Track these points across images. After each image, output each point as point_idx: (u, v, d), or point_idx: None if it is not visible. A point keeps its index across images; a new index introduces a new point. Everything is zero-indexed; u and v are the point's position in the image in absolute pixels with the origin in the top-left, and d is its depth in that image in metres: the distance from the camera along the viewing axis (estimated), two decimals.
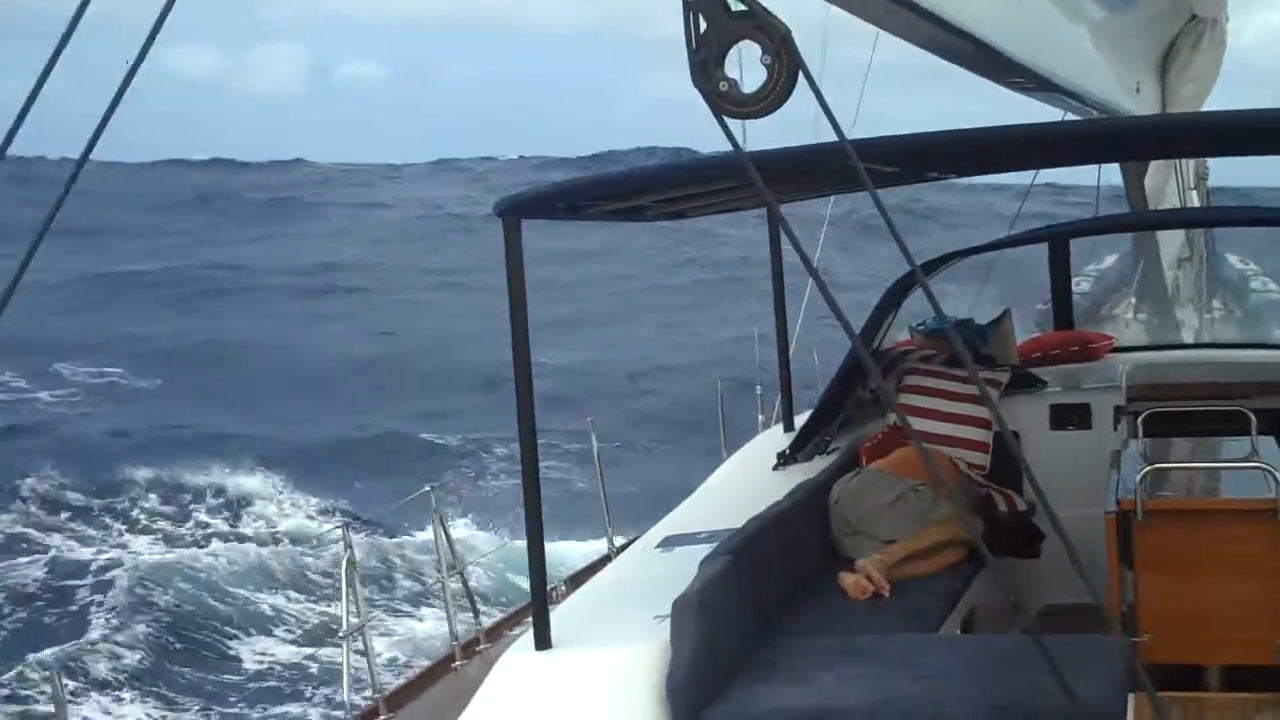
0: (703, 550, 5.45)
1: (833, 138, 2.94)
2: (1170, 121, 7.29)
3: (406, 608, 17.68)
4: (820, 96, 2.76)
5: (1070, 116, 8.15)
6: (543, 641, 4.69)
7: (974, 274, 10.75)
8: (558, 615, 4.92)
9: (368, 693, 7.72)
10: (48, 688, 15.56)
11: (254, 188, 76.88)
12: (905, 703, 4.51)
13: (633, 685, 4.56)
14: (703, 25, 2.80)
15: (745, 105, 2.75)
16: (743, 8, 2.76)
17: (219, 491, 25.19)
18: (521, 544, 4.84)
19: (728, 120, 2.74)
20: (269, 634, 17.98)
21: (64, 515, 24.31)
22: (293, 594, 19.12)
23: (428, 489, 8.70)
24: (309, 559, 19.56)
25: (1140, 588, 5.67)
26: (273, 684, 15.67)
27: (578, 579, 8.51)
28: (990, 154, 5.54)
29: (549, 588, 8.51)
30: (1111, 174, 12.08)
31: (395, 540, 20.21)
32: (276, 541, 21.95)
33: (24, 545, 22.37)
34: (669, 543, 6.00)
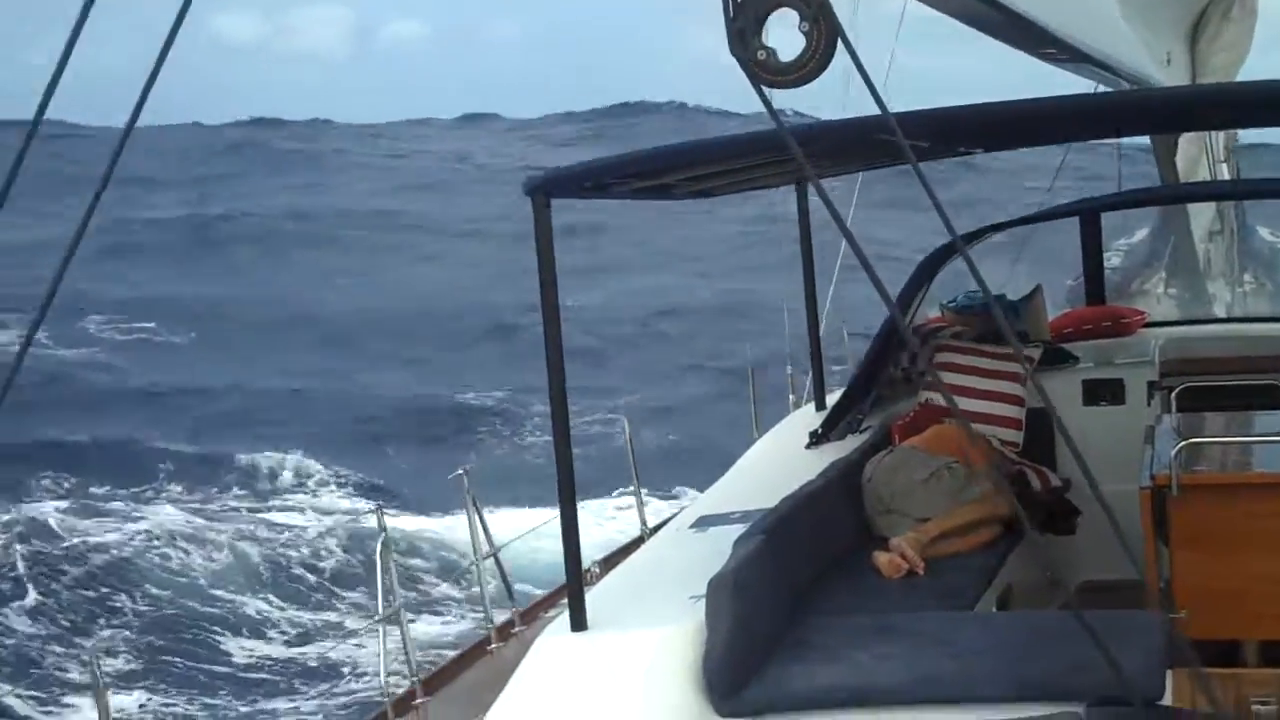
0: (736, 530, 5.45)
1: (861, 99, 2.90)
2: (1199, 93, 7.23)
3: (441, 591, 17.72)
4: (860, 65, 2.71)
5: (1101, 88, 8.09)
6: (578, 623, 4.69)
7: (1005, 249, 10.70)
8: (593, 597, 4.91)
9: (404, 676, 7.72)
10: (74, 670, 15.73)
11: (288, 141, 77.31)
12: (941, 681, 4.50)
13: (669, 666, 4.56)
14: None
15: (783, 74, 2.71)
16: None
17: (246, 469, 25.28)
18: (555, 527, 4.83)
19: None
20: (302, 614, 18.09)
21: (88, 487, 24.58)
22: (325, 577, 19.21)
23: (461, 471, 8.69)
24: (340, 543, 19.59)
25: (1176, 563, 5.63)
26: (309, 665, 15.70)
27: (612, 560, 8.50)
28: (1021, 127, 5.50)
29: (584, 569, 8.53)
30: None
31: (430, 521, 20.27)
32: (305, 522, 22.03)
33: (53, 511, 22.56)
34: (703, 523, 5.99)
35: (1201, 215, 13.28)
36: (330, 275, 45.38)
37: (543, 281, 4.65)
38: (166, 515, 22.57)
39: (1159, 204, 12.09)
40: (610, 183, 5.06)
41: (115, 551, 20.06)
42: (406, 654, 7.64)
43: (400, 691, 7.60)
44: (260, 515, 22.61)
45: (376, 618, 7.24)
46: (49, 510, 22.34)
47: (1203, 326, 9.62)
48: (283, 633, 17.52)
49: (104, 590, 18.83)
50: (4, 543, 19.93)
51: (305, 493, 24.26)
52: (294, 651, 16.80)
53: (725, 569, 4.83)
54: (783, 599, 5.22)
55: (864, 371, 7.55)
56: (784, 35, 2.64)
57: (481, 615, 8.71)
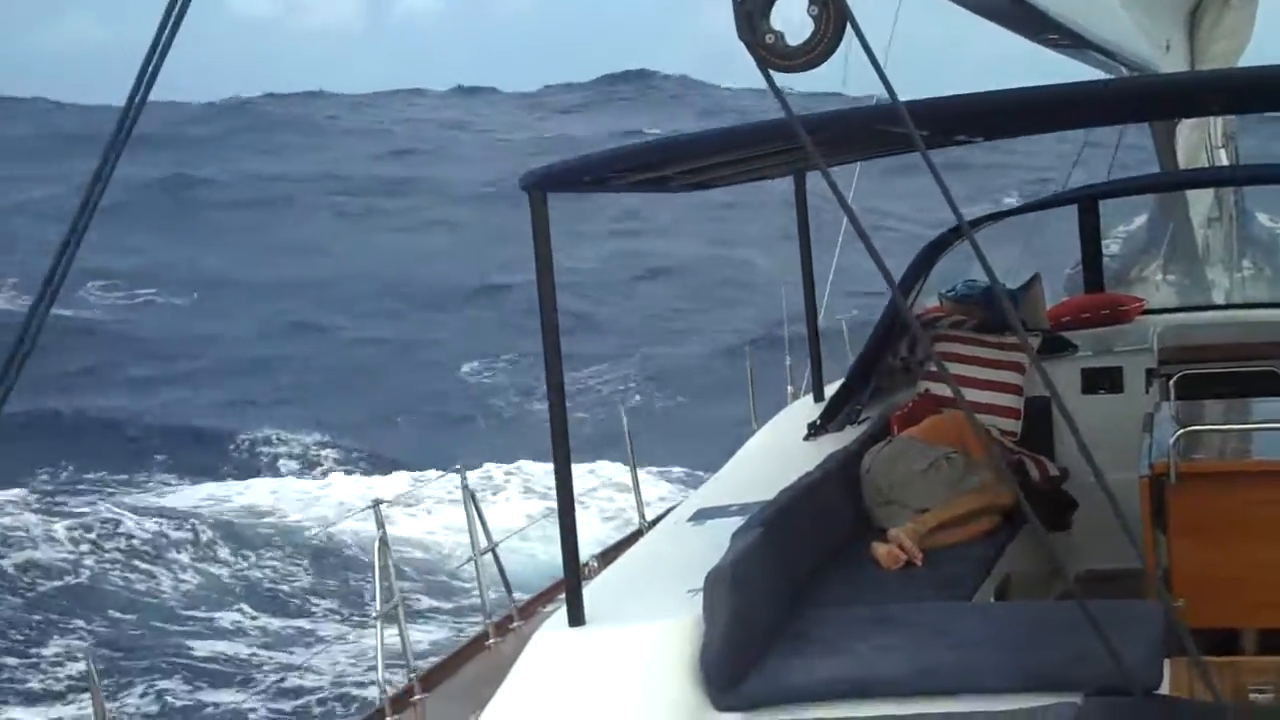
0: (734, 523, 5.42)
1: (860, 90, 2.86)
2: (1195, 79, 7.18)
3: (439, 587, 17.69)
4: (869, 50, 2.67)
5: (1101, 74, 8.05)
6: (576, 618, 4.67)
7: (1003, 238, 10.64)
8: (590, 591, 4.90)
9: (402, 673, 7.67)
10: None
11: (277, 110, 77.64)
12: (941, 672, 4.48)
13: (667, 660, 4.54)
14: None
15: (791, 58, 2.66)
16: None
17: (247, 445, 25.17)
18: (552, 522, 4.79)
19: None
20: (297, 611, 18.03)
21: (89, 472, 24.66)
22: (322, 575, 19.16)
23: (458, 467, 8.65)
24: (337, 539, 19.54)
25: (1175, 551, 5.61)
26: (306, 663, 15.65)
27: (610, 555, 8.47)
28: (1023, 115, 5.45)
29: (582, 564, 8.49)
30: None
31: (428, 517, 20.23)
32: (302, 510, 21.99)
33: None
34: (700, 516, 5.97)
35: (1200, 202, 13.25)
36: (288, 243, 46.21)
37: (540, 276, 4.60)
38: (151, 504, 22.66)
39: (1157, 191, 12.06)
40: (608, 176, 5.03)
41: (90, 550, 20.10)
42: (404, 651, 7.59)
43: (398, 688, 7.55)
44: (255, 508, 22.55)
45: (374, 615, 7.19)
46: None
47: (1201, 313, 9.57)
48: (279, 630, 17.46)
49: (80, 593, 18.80)
50: None
51: (302, 473, 24.24)
52: (291, 649, 16.76)
53: (723, 562, 4.81)
54: (781, 591, 5.19)
55: (863, 362, 7.51)
56: (793, 18, 2.60)
57: (480, 611, 8.67)
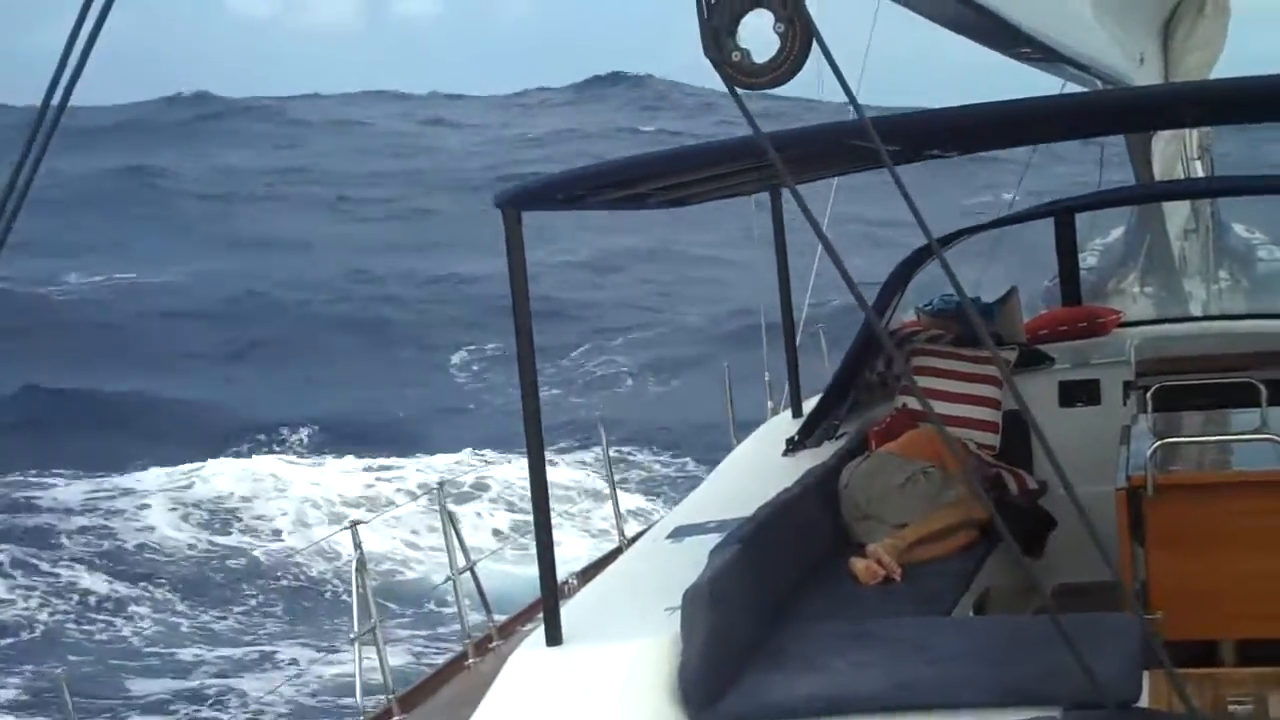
0: (713, 540, 5.41)
1: (836, 97, 2.85)
2: (1170, 91, 7.19)
3: (417, 608, 17.61)
4: (836, 68, 2.67)
5: (1073, 87, 8.06)
6: (554, 637, 4.65)
7: (980, 251, 10.64)
8: (569, 610, 4.88)
9: (381, 694, 7.63)
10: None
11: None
12: (919, 687, 4.47)
13: (645, 679, 4.53)
14: None
15: (758, 75, 2.65)
16: None
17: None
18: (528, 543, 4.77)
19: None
20: (276, 632, 17.89)
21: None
22: (300, 595, 19.04)
23: (436, 485, 8.61)
24: (313, 559, 19.43)
25: (1152, 564, 5.61)
26: (284, 685, 15.55)
27: (589, 572, 8.44)
28: (996, 129, 5.45)
29: (560, 582, 8.45)
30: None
31: (406, 535, 20.16)
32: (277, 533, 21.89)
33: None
34: (679, 533, 5.95)
35: (1177, 213, 13.27)
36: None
37: (515, 295, 4.58)
38: (111, 506, 22.53)
39: (1133, 203, 12.07)
40: (583, 194, 5.00)
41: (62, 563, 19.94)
42: (383, 671, 7.56)
43: (377, 710, 7.51)
44: (228, 523, 22.45)
45: (352, 636, 7.15)
46: None
47: (1178, 325, 9.59)
48: (258, 651, 17.32)
49: (55, 614, 18.67)
50: None
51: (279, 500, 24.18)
52: (268, 670, 16.64)
53: (700, 580, 4.79)
54: (759, 608, 5.17)
55: (840, 377, 7.49)
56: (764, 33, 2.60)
57: (459, 630, 8.63)
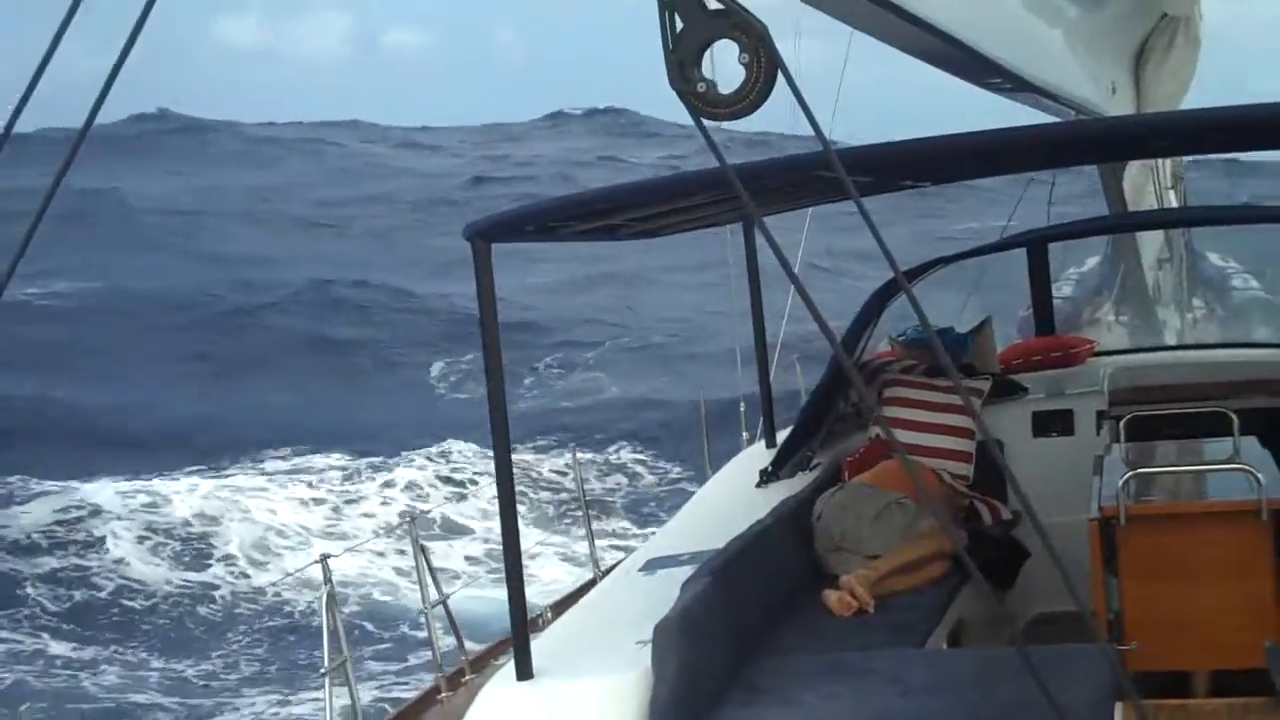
0: (685, 572, 5.38)
1: (808, 132, 2.83)
2: (1144, 121, 7.22)
3: (389, 641, 17.52)
4: (801, 98, 2.64)
5: (1046, 118, 8.07)
6: (524, 672, 4.61)
7: (957, 281, 10.66)
8: (540, 644, 4.86)
9: None
10: None
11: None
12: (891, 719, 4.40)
13: (615, 713, 4.49)
14: (679, 25, 2.68)
15: (723, 106, 2.64)
16: (719, 6, 2.64)
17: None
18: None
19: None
20: (246, 669, 17.73)
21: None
22: (270, 629, 18.88)
23: (407, 519, 8.57)
24: (283, 593, 19.28)
25: (1126, 594, 5.59)
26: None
27: (562, 605, 8.39)
28: (969, 160, 5.45)
29: (535, 615, 8.40)
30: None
31: (376, 569, 20.06)
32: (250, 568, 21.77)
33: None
34: (652, 565, 5.92)
35: (1151, 243, 13.32)
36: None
37: (484, 327, 4.56)
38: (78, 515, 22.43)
39: (1106, 233, 12.12)
40: (553, 225, 4.98)
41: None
42: (354, 707, 7.48)
43: None
44: (193, 552, 22.33)
45: (322, 670, 7.08)
46: None
47: (1152, 354, 9.61)
48: (225, 689, 17.15)
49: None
50: None
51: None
52: (239, 704, 16.50)
53: (671, 613, 4.77)
54: (731, 641, 5.15)
55: (812, 408, 7.47)
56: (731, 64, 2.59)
57: (431, 664, 8.57)
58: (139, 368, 34.07)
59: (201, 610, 19.55)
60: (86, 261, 43.22)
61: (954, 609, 6.39)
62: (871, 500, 6.62)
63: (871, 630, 5.75)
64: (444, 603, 8.36)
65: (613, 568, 7.90)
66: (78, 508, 23.02)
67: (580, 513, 10.42)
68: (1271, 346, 9.13)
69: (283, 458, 27.39)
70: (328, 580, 7.14)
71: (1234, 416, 6.50)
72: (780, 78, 2.59)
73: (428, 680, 8.66)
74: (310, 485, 25.42)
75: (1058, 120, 7.81)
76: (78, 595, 20.04)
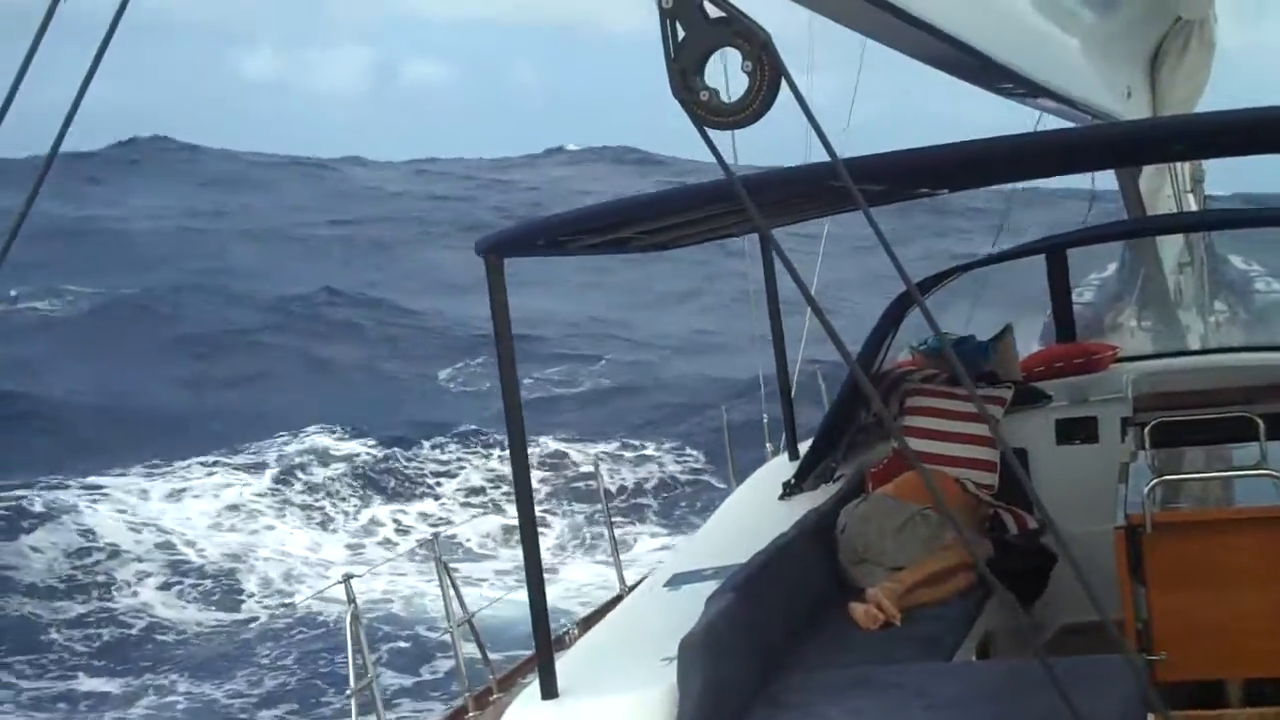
0: (710, 587, 5.36)
1: (822, 156, 2.81)
2: (1160, 125, 7.18)
3: (415, 660, 17.49)
4: (805, 106, 2.62)
5: (1062, 122, 8.03)
6: (549, 691, 4.60)
7: (979, 288, 10.61)
8: (566, 662, 4.86)
9: None
10: None
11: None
12: None
13: None
14: (681, 33, 2.66)
15: (727, 115, 2.62)
16: (721, 14, 2.63)
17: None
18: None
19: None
20: (274, 689, 17.72)
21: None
22: (294, 650, 18.86)
23: (430, 536, 8.56)
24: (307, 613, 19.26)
25: (1154, 604, 5.52)
26: None
27: (589, 621, 8.37)
28: (980, 167, 5.42)
29: (563, 632, 8.38)
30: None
31: (402, 586, 20.05)
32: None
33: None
34: (676, 581, 5.89)
35: (1171, 247, 13.25)
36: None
37: (499, 342, 4.55)
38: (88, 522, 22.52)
39: (1125, 238, 12.05)
40: (565, 239, 4.96)
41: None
42: None
43: None
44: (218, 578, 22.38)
45: (348, 692, 7.07)
46: None
47: (1176, 359, 9.53)
48: (249, 707, 17.15)
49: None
50: None
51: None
52: None
53: (695, 629, 4.75)
54: (756, 656, 5.12)
55: (832, 420, 7.43)
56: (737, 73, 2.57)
57: (458, 683, 8.56)
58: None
59: (225, 633, 19.53)
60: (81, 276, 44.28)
61: (982, 621, 6.35)
62: (895, 512, 6.58)
63: (898, 644, 5.71)
64: (470, 621, 8.35)
65: (638, 583, 7.88)
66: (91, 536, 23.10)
67: (605, 530, 10.40)
68: None
69: (299, 468, 27.57)
70: (352, 600, 7.14)
71: (1260, 421, 6.44)
72: (785, 87, 2.58)
73: (456, 700, 8.64)
74: (330, 500, 25.53)
75: (1073, 125, 7.79)
76: (106, 634, 20.07)
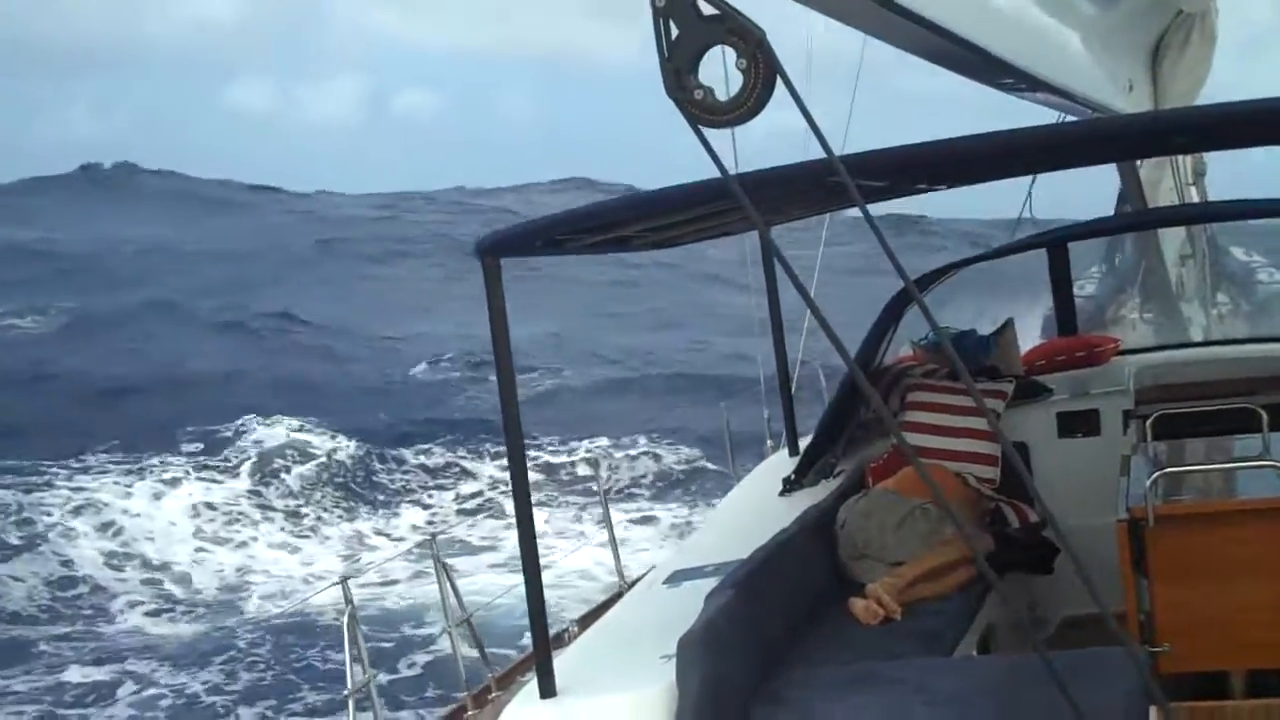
0: (709, 584, 5.34)
1: (820, 150, 2.78)
2: (1161, 117, 7.15)
3: (414, 659, 17.46)
4: (801, 103, 2.60)
5: (1065, 117, 8.00)
6: (547, 690, 4.58)
7: (981, 283, 10.58)
8: (565, 660, 4.84)
9: None
10: None
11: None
12: None
13: None
14: (674, 32, 2.64)
15: (721, 113, 2.60)
16: (714, 11, 2.61)
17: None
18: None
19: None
20: (269, 690, 17.66)
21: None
22: (290, 651, 18.80)
23: (429, 536, 8.54)
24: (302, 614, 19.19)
25: (1157, 596, 5.50)
26: None
27: (588, 619, 8.36)
28: (980, 162, 5.38)
29: (561, 630, 8.36)
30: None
31: (399, 585, 20.01)
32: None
33: None
34: (676, 578, 5.87)
35: (1173, 239, 13.23)
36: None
37: (496, 346, 4.52)
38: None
39: (1127, 231, 12.04)
40: (564, 238, 4.92)
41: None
42: None
43: None
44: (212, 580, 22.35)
45: (346, 692, 7.05)
46: None
47: (1177, 351, 9.51)
48: (245, 707, 17.09)
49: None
50: None
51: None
52: None
53: (695, 626, 4.73)
54: (756, 653, 5.10)
55: (832, 415, 7.41)
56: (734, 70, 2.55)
57: (457, 682, 8.54)
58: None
59: (222, 632, 19.48)
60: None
61: (983, 615, 6.33)
62: (894, 507, 6.56)
63: (899, 639, 5.69)
64: (468, 620, 8.33)
65: (638, 580, 7.87)
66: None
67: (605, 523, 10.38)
68: None
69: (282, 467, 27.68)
70: (349, 601, 7.12)
71: (1262, 413, 6.41)
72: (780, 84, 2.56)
73: (455, 699, 8.63)
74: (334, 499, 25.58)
75: (1074, 119, 7.75)
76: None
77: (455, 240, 57.44)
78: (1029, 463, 7.69)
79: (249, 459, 27.90)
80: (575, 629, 8.37)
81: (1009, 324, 8.53)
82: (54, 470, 27.05)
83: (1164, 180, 12.15)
